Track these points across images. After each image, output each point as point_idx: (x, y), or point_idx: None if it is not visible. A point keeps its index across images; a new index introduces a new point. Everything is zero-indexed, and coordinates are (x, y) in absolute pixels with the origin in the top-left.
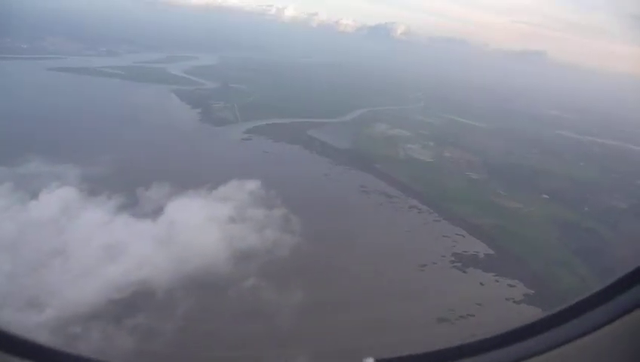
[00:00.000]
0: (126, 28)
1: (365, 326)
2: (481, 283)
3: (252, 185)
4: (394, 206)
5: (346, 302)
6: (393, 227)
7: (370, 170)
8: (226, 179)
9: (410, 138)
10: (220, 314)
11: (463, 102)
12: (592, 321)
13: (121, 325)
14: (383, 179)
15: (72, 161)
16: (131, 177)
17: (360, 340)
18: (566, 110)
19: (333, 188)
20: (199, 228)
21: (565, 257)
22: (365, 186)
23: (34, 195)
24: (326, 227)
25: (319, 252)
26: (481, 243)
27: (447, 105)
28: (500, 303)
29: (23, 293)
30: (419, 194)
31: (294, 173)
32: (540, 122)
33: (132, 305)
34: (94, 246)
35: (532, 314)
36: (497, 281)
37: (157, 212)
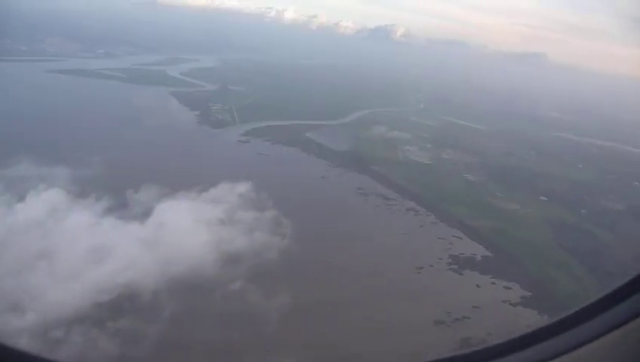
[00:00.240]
0: (125, 29)
1: (358, 329)
2: (478, 286)
3: (244, 187)
4: (391, 208)
5: (339, 304)
6: (390, 229)
7: (367, 172)
8: (220, 182)
9: (408, 140)
10: (205, 317)
11: (462, 104)
12: (593, 330)
13: (104, 329)
14: (381, 181)
15: (63, 163)
16: (123, 179)
17: (352, 344)
18: (566, 112)
19: (330, 191)
20: (187, 231)
21: (562, 259)
22: (363, 188)
23: (21, 198)
24: (322, 229)
25: (313, 254)
26: (478, 246)
27: (447, 107)
28: (497, 306)
29: (4, 297)
30: (416, 196)
31: (291, 175)
32: (539, 124)
33: (117, 308)
34: (80, 249)
35: (528, 316)
36: (494, 284)
37: (146, 214)
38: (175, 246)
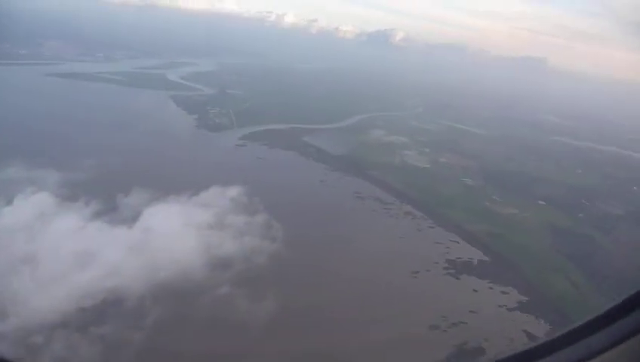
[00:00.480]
0: (125, 33)
1: (351, 333)
2: (475, 290)
3: (238, 190)
4: (388, 212)
5: (330, 309)
6: (387, 233)
7: (365, 176)
8: (214, 186)
9: (406, 144)
10: (190, 323)
11: (461, 109)
12: (594, 345)
13: (87, 334)
14: (379, 185)
15: (56, 167)
16: (114, 183)
17: (345, 347)
18: (565, 117)
19: (328, 194)
20: (176, 235)
21: (559, 263)
22: (360, 192)
23: (9, 201)
24: (318, 233)
25: (307, 258)
26: (475, 250)
27: (446, 112)
28: (493, 310)
29: None
30: (414, 201)
31: (288, 179)
32: (539, 129)
33: (101, 313)
34: (65, 253)
35: (525, 321)
36: (491, 288)
37: (135, 218)
38: (163, 250)
